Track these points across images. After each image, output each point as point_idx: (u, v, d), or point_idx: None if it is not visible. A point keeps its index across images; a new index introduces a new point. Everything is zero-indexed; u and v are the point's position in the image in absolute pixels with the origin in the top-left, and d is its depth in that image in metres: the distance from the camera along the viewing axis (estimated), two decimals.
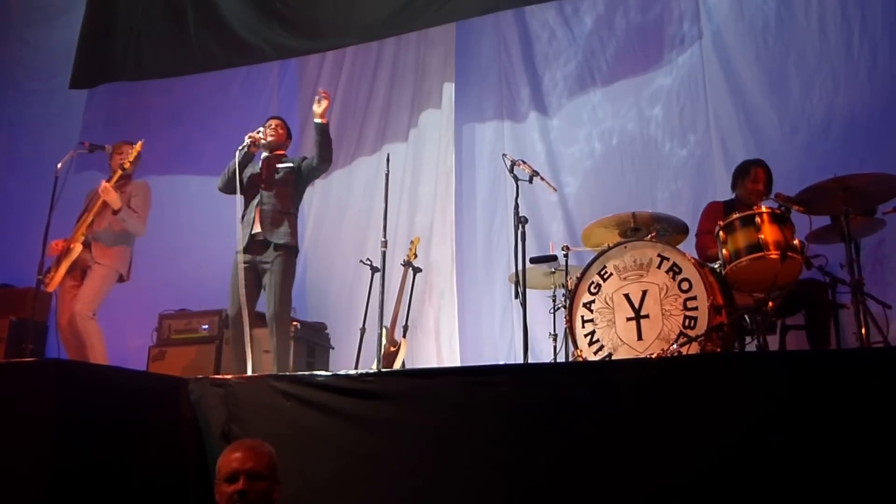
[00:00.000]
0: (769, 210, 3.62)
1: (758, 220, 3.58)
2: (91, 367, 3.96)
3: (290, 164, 4.48)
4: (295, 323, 4.84)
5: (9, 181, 6.62)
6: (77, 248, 4.58)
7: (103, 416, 2.99)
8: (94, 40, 6.33)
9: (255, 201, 4.38)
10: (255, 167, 4.53)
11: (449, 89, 5.79)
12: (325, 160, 4.49)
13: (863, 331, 3.26)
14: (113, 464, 2.96)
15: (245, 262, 4.29)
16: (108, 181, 4.66)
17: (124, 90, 6.47)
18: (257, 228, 4.32)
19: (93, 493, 2.87)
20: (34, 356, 4.91)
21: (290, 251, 4.35)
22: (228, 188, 4.46)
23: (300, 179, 4.52)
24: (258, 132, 4.50)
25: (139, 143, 4.73)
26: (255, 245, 4.32)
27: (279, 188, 4.41)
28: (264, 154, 4.58)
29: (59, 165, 4.70)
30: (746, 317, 3.67)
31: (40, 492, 2.76)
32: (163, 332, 5.26)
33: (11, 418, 2.85)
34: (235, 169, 4.38)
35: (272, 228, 4.31)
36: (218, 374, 4.52)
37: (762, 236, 3.52)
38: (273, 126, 4.60)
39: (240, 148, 4.43)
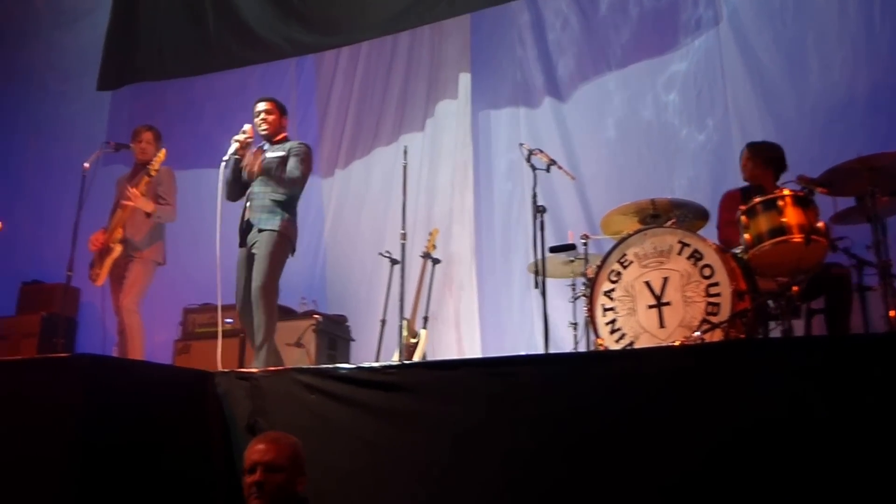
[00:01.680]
0: (791, 193, 3.55)
1: (780, 203, 3.52)
2: (121, 361, 4.04)
3: (281, 154, 4.21)
4: (316, 316, 4.89)
5: (38, 180, 6.76)
6: (118, 249, 4.72)
7: (133, 410, 3.05)
8: (119, 43, 6.48)
9: (248, 192, 4.22)
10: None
11: (465, 79, 5.80)
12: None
13: (891, 313, 3.22)
14: (142, 456, 3.02)
15: (242, 256, 4.16)
16: (135, 187, 4.72)
17: (146, 89, 6.58)
18: (247, 215, 4.16)
19: (123, 486, 2.92)
20: (64, 350, 5.06)
21: (277, 233, 4.08)
22: (230, 196, 4.29)
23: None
24: (243, 133, 4.19)
25: (163, 151, 4.76)
26: (246, 232, 4.17)
27: (268, 176, 4.16)
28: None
29: (86, 165, 4.80)
30: (770, 302, 3.63)
31: (72, 483, 2.82)
32: (187, 326, 5.34)
33: (45, 410, 2.91)
34: (227, 180, 4.22)
35: (260, 214, 4.11)
36: (242, 367, 4.58)
37: (785, 220, 3.46)
38: (262, 116, 4.28)
39: (224, 158, 4.20)
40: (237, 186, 4.26)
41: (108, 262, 4.73)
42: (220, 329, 4.21)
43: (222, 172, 4.21)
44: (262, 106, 4.30)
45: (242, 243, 4.17)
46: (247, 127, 4.23)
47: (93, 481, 2.84)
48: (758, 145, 4.18)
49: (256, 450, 2.38)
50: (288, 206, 4.17)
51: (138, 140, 4.98)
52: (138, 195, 4.67)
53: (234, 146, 4.17)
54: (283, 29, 5.96)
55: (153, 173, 4.69)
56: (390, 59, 6.16)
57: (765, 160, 4.09)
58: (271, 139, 4.28)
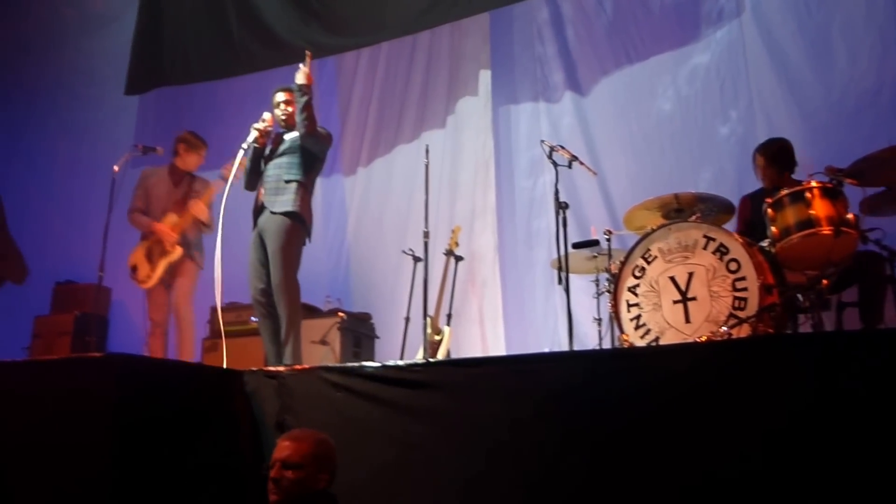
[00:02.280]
0: (820, 184, 3.49)
1: (808, 195, 3.46)
2: (152, 360, 4.11)
3: (296, 133, 4.15)
4: (341, 314, 4.92)
5: (69, 183, 6.90)
6: (178, 252, 4.87)
7: (164, 408, 3.09)
8: (145, 48, 6.63)
9: (262, 176, 4.16)
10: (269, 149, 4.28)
11: (485, 76, 5.82)
12: (303, 126, 4.03)
13: None
14: (174, 453, 3.06)
15: (254, 238, 4.09)
16: (198, 197, 4.94)
17: (172, 93, 6.71)
18: (261, 199, 4.10)
19: (155, 483, 2.97)
20: (97, 348, 5.19)
21: (290, 216, 4.00)
22: (248, 185, 4.26)
23: (306, 148, 4.13)
24: (262, 121, 4.17)
25: (242, 161, 4.53)
26: (258, 215, 4.12)
27: (282, 158, 4.13)
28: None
29: (115, 168, 4.90)
30: (799, 295, 3.58)
31: (107, 479, 2.87)
32: (215, 325, 5.39)
33: (80, 408, 2.97)
34: (247, 169, 4.19)
35: (273, 197, 4.04)
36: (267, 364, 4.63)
37: (813, 212, 3.41)
38: (282, 107, 4.23)
39: (243, 146, 4.16)
40: (255, 176, 4.22)
41: (164, 264, 4.87)
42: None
43: (238, 160, 4.22)
44: (281, 96, 4.26)
45: (255, 225, 4.13)
46: (266, 115, 4.20)
47: (126, 478, 2.89)
48: (767, 146, 4.13)
49: (278, 447, 2.44)
50: (298, 183, 4.07)
51: (195, 150, 5.10)
52: (205, 209, 4.89)
53: (253, 134, 4.15)
54: (305, 31, 6.03)
55: (227, 175, 4.58)
56: (410, 57, 6.19)
57: (780, 162, 4.04)
58: (292, 128, 4.23)
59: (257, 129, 4.15)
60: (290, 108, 4.21)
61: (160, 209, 5.01)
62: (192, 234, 5.00)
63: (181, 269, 4.94)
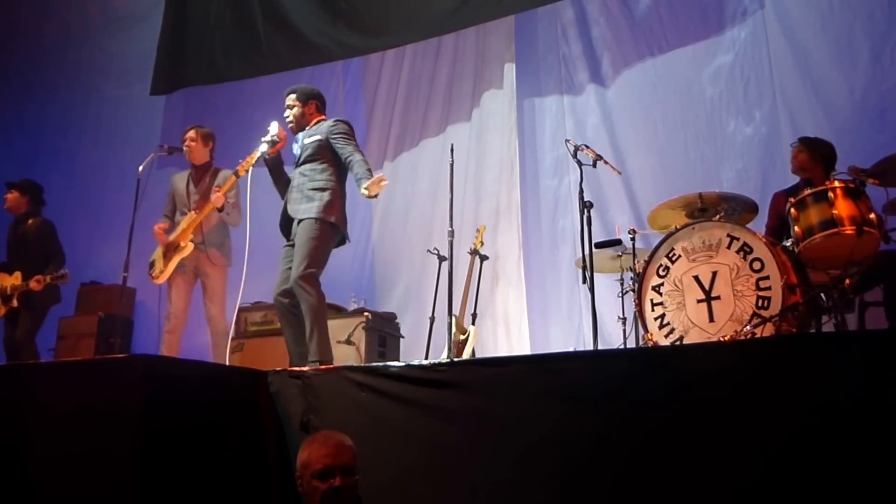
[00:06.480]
0: (842, 184, 3.52)
1: (830, 195, 3.49)
2: (176, 361, 4.09)
3: (318, 137, 4.03)
4: (366, 314, 4.95)
5: (95, 183, 6.99)
6: (189, 247, 4.81)
7: (189, 409, 3.09)
8: (171, 48, 6.71)
9: (290, 184, 4.08)
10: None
11: (510, 70, 5.84)
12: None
13: None
14: (199, 454, 3.06)
15: (286, 254, 4.01)
16: (219, 188, 4.82)
17: (197, 92, 6.79)
18: (288, 208, 4.01)
19: (181, 483, 2.98)
20: (121, 349, 5.23)
21: (315, 220, 3.88)
22: (282, 194, 4.18)
23: (333, 150, 4.02)
24: (268, 133, 4.12)
25: (254, 155, 4.48)
26: (287, 225, 4.05)
27: (305, 165, 4.02)
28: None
29: (140, 168, 4.95)
30: (822, 295, 3.58)
31: (134, 479, 2.88)
32: (240, 325, 5.43)
33: (103, 412, 2.99)
34: (272, 178, 4.17)
35: (298, 205, 3.95)
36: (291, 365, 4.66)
37: (836, 212, 3.44)
38: (285, 114, 4.14)
39: (252, 163, 4.19)
40: (279, 184, 4.17)
41: (176, 259, 4.84)
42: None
43: (253, 155, 4.19)
44: (287, 100, 4.21)
45: (286, 233, 4.06)
46: (273, 127, 4.14)
47: (152, 479, 2.90)
48: (809, 140, 4.13)
49: (327, 453, 2.30)
50: (325, 190, 3.96)
51: (197, 141, 5.06)
52: (220, 197, 4.74)
53: (262, 147, 4.11)
54: (332, 32, 6.09)
55: (242, 173, 4.57)
56: (436, 53, 6.23)
57: (815, 154, 4.04)
58: (303, 129, 4.15)
59: (265, 142, 4.12)
60: (292, 112, 4.15)
61: (182, 209, 5.02)
62: (215, 230, 4.94)
63: (207, 273, 4.93)
